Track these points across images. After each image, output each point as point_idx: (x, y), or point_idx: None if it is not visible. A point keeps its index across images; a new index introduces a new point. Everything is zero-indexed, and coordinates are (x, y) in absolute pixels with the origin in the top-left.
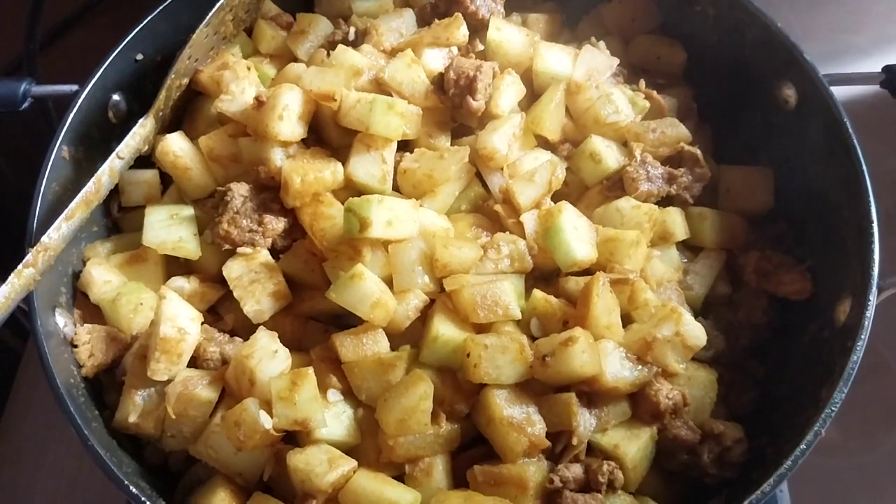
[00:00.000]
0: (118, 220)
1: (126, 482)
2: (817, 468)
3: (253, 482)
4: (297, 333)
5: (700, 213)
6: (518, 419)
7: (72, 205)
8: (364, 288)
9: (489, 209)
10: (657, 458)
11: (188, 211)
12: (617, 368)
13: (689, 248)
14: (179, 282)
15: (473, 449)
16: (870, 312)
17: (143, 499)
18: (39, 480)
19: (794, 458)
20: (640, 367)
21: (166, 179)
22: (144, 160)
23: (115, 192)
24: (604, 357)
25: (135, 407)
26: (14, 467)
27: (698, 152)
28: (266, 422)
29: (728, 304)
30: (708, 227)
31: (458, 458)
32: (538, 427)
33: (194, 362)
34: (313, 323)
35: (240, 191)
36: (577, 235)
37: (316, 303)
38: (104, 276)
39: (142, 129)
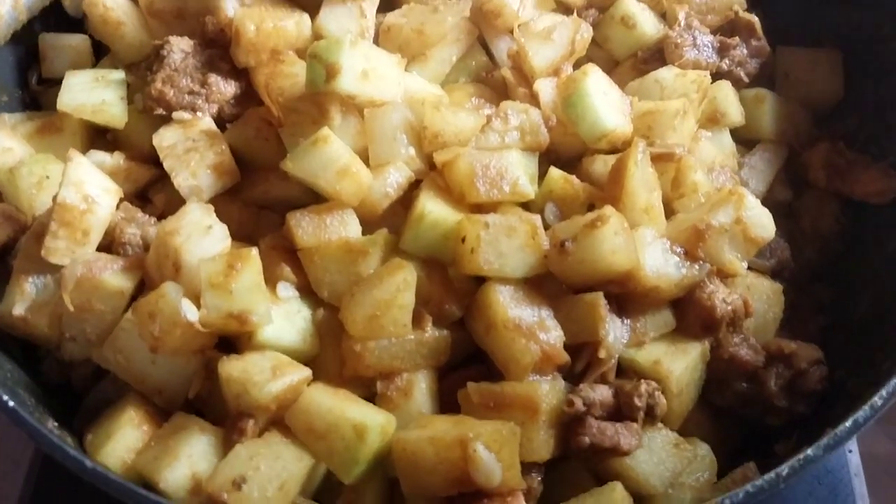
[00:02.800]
0: (38, 95)
1: None
2: None
3: (175, 403)
4: (246, 225)
5: (757, 94)
6: (527, 322)
7: None
8: (329, 152)
9: (494, 80)
10: (705, 390)
11: (118, 74)
12: (659, 262)
13: (743, 142)
14: (99, 155)
15: (466, 369)
16: None
17: (10, 403)
18: None
19: (888, 392)
20: (688, 263)
21: (100, 51)
22: (75, 24)
23: (35, 60)
24: (642, 246)
25: (23, 296)
26: None
27: (755, 20)
28: (190, 312)
29: (788, 213)
30: (766, 112)
31: (446, 380)
32: (553, 334)
33: (108, 248)
34: (267, 213)
35: (180, 45)
36: (607, 101)
37: (270, 186)
38: (4, 142)
39: None
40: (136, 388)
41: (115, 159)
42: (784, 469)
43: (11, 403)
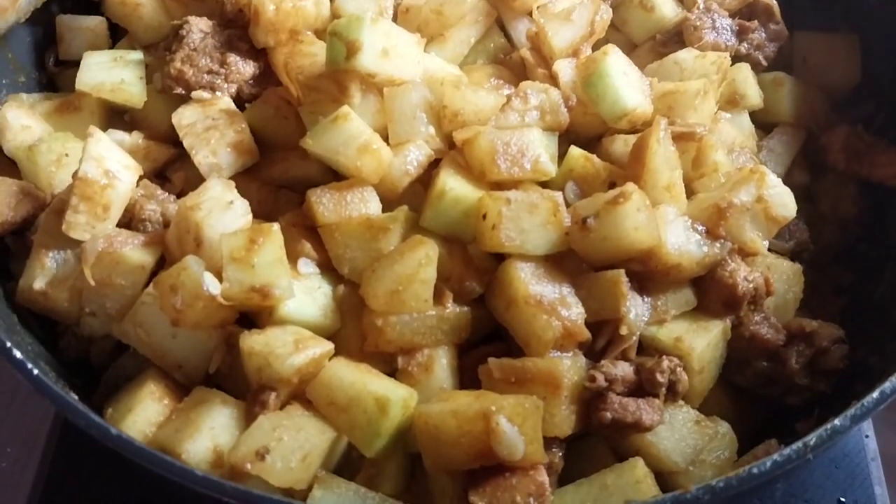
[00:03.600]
0: (54, 77)
1: (9, 345)
2: None
3: (196, 379)
4: (265, 204)
5: (775, 78)
6: (549, 299)
7: None
8: (349, 129)
9: (513, 62)
10: (726, 369)
11: (136, 55)
12: (681, 239)
13: (762, 125)
14: (118, 134)
15: (487, 346)
16: None
17: (34, 371)
18: None
19: None
20: (709, 241)
21: (117, 34)
22: (92, 6)
23: (52, 42)
24: (663, 224)
25: (43, 271)
26: None
27: (774, 3)
28: (212, 285)
29: (806, 197)
30: (785, 95)
31: (466, 357)
32: (574, 311)
33: (128, 225)
34: (286, 193)
35: (199, 25)
36: (627, 81)
37: (289, 165)
38: (23, 120)
39: None
40: (157, 363)
41: (134, 138)
42: (812, 439)
43: (36, 371)
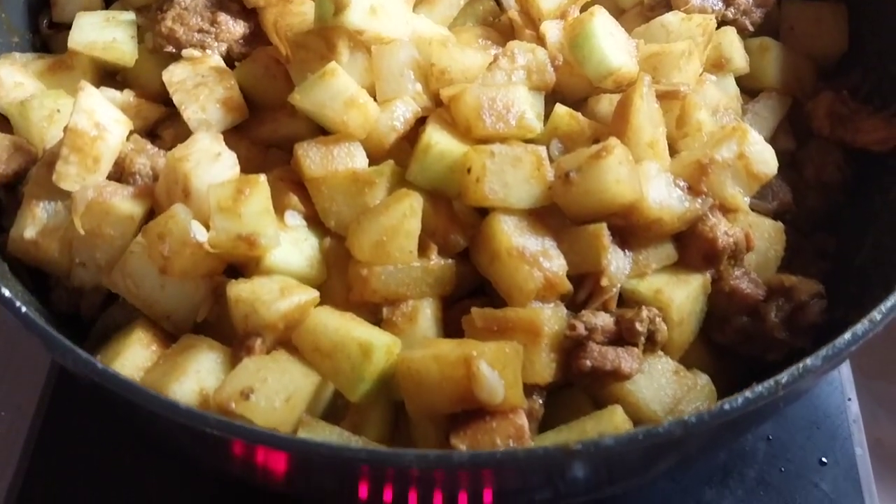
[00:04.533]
0: (48, 40)
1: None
2: None
3: (184, 328)
4: (253, 162)
5: (762, 43)
6: (531, 251)
7: None
8: (336, 85)
9: (501, 24)
10: (706, 327)
11: (128, 15)
12: (663, 194)
13: (747, 91)
14: (110, 92)
15: (470, 300)
16: None
17: (22, 309)
18: None
19: (888, 307)
20: (691, 197)
21: None
22: None
23: (46, 5)
24: (645, 179)
25: (34, 221)
26: None
27: None
28: (199, 233)
29: (791, 164)
30: (771, 62)
31: (450, 311)
32: (557, 263)
33: (118, 180)
34: (275, 151)
35: None
36: (613, 41)
37: (278, 125)
38: (16, 77)
39: None
40: (145, 312)
41: (125, 96)
42: (783, 377)
43: (24, 309)
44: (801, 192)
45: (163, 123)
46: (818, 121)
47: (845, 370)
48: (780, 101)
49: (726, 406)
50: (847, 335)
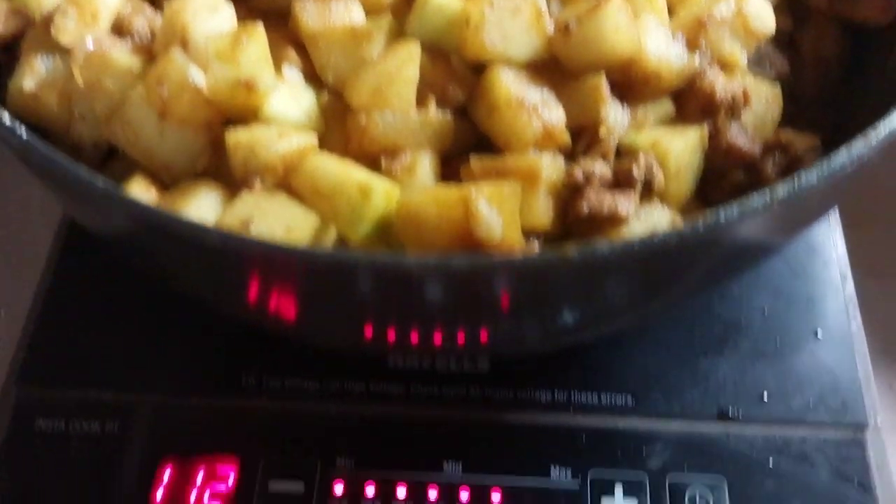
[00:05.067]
0: None
1: None
2: None
3: (183, 179)
4: None
5: None
6: (530, 101)
7: None
8: None
9: None
10: (703, 187)
11: None
12: (661, 47)
13: None
14: None
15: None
16: None
17: (24, 136)
18: None
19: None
20: (689, 53)
21: None
22: None
23: None
24: (644, 32)
25: (33, 73)
26: None
27: None
28: (197, 77)
29: (790, 43)
30: None
31: (448, 167)
32: (556, 113)
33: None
34: (273, 18)
35: None
36: None
37: None
38: None
39: None
40: (145, 163)
41: None
42: (779, 190)
43: (25, 136)
44: (799, 69)
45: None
46: None
47: (841, 247)
48: None
49: (721, 217)
50: (843, 154)
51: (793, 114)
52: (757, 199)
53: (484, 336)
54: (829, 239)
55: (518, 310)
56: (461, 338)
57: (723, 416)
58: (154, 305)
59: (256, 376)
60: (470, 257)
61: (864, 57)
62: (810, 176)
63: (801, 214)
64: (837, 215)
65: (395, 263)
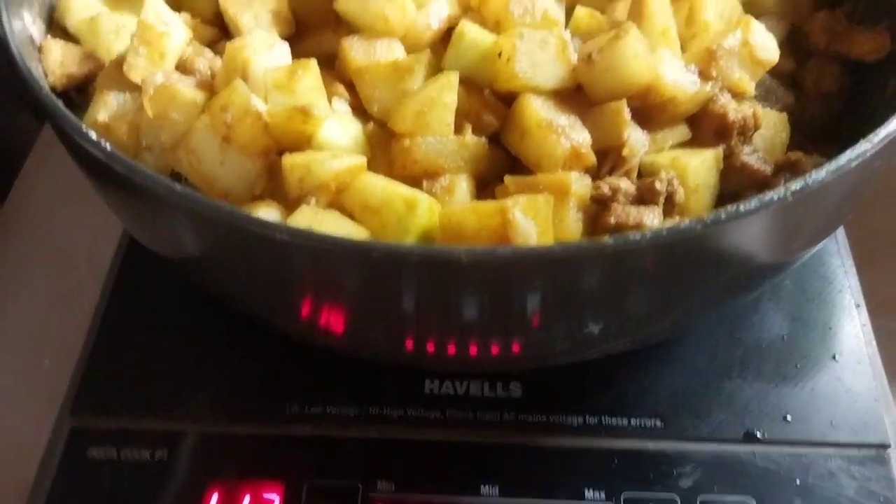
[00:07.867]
0: None
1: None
2: None
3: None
4: None
5: None
6: (559, 123)
7: None
8: None
9: None
10: (719, 204)
11: None
12: (676, 74)
13: None
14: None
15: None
16: None
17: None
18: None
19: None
20: (701, 81)
21: None
22: None
23: None
24: (660, 63)
25: (106, 106)
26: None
27: None
28: (258, 104)
29: (792, 82)
30: None
31: (483, 192)
32: (582, 135)
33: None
34: (323, 61)
35: None
36: None
37: (321, 40)
38: (85, 1)
39: None
40: (206, 190)
41: (183, 17)
42: (793, 184)
43: (110, 149)
44: (804, 103)
45: (216, 45)
46: (815, 35)
47: (854, 279)
48: (777, 23)
49: (741, 207)
50: (848, 153)
51: (800, 143)
52: (774, 193)
53: (517, 346)
54: (842, 269)
55: (554, 304)
56: (495, 347)
57: (749, 437)
58: (202, 338)
59: (299, 404)
60: (513, 247)
61: (865, 90)
62: (819, 172)
63: (814, 212)
64: (848, 248)
65: (447, 252)
